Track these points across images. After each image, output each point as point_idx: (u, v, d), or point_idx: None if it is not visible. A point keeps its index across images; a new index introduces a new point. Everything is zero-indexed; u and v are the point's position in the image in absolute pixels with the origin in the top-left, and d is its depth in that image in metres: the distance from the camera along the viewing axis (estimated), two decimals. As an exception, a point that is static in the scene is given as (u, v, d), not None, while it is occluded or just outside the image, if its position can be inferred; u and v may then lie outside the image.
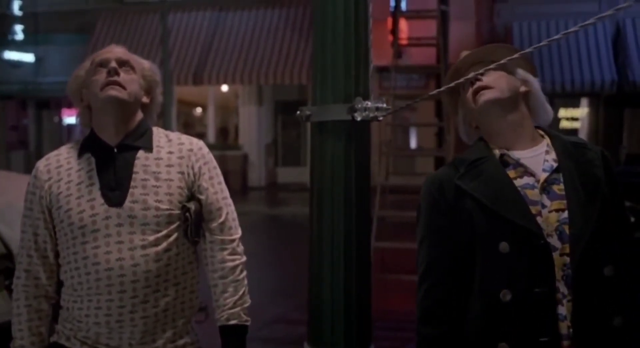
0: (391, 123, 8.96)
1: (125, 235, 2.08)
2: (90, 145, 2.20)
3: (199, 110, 21.68)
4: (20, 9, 19.33)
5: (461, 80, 2.02)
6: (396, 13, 9.58)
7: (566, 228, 1.90)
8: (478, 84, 2.02)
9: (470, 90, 2.03)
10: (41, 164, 2.21)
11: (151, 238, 2.10)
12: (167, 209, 2.13)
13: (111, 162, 2.14)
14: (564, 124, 17.85)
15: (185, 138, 2.28)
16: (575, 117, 17.79)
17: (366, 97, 2.00)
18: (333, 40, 2.00)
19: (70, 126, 21.12)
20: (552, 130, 2.11)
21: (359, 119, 1.96)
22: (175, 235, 2.15)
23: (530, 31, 15.87)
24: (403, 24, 13.07)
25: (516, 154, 2.00)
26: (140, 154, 2.17)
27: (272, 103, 19.22)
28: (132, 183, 2.12)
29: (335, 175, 1.97)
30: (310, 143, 2.06)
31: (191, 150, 2.24)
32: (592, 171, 2.00)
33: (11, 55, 19.34)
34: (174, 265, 2.16)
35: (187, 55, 17.20)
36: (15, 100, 20.66)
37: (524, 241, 1.88)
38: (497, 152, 2.01)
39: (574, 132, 17.65)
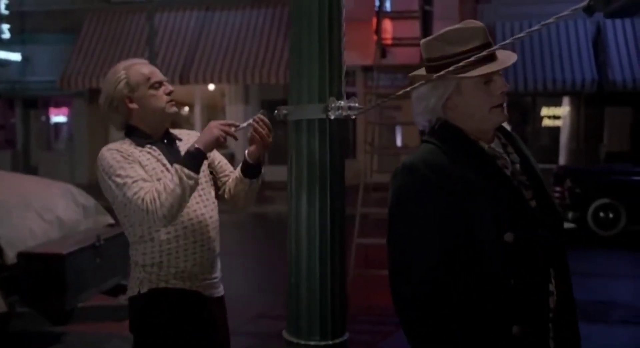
0: (377, 122, 9.08)
1: None
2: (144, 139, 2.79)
3: (185, 109, 21.71)
4: (7, 8, 19.29)
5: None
6: (379, 13, 9.70)
7: (538, 215, 2.02)
8: (505, 93, 2.05)
9: (500, 96, 2.04)
10: (125, 150, 2.70)
11: None
12: None
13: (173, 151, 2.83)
14: (546, 122, 18.03)
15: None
16: (557, 115, 17.96)
17: (340, 97, 2.07)
18: (308, 44, 2.06)
19: (57, 125, 21.13)
20: None
21: (332, 117, 2.03)
22: None
23: (512, 31, 15.99)
24: (388, 24, 13.20)
25: (496, 147, 2.07)
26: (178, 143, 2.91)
27: (259, 102, 19.27)
28: None
29: (311, 171, 2.04)
30: (288, 141, 2.11)
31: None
32: (532, 157, 2.15)
33: (-2, 54, 19.32)
34: None
35: (174, 54, 17.25)
36: (2, 100, 20.60)
37: (526, 230, 1.96)
38: (484, 144, 2.06)
39: (556, 130, 17.88)
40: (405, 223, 2.02)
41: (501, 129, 2.16)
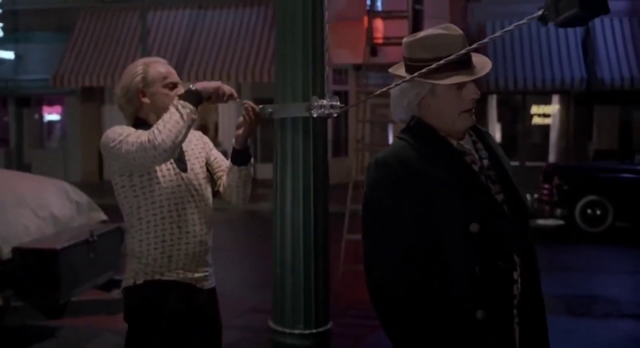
0: (367, 120, 9.16)
1: None
2: None
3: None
4: (0, 6, 19.33)
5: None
6: (370, 13, 9.81)
7: (505, 208, 2.15)
8: (475, 100, 2.17)
9: (470, 101, 2.16)
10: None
11: None
12: None
13: None
14: (536, 120, 18.15)
15: None
16: (547, 113, 18.08)
17: (322, 96, 2.17)
18: (292, 46, 2.15)
19: (50, 123, 21.17)
20: None
21: (315, 115, 2.12)
22: None
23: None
24: (379, 24, 13.29)
25: (465, 144, 2.20)
26: None
27: (251, 100, 19.12)
28: (187, 157, 2.96)
29: (294, 167, 2.13)
30: (273, 138, 2.21)
31: None
32: (502, 153, 2.28)
33: (-9, 52, 19.35)
34: None
35: (167, 52, 17.29)
36: (-5, 98, 20.67)
37: (492, 221, 2.09)
38: (453, 141, 2.18)
39: (546, 128, 18.02)
40: (376, 216, 2.14)
41: (472, 126, 2.27)
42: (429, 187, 2.09)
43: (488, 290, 2.07)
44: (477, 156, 2.20)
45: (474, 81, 2.16)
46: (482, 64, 2.19)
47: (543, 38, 15.90)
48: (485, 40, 1.73)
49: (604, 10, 1.32)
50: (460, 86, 2.14)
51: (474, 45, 1.86)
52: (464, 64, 2.13)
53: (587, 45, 16.09)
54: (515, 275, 2.12)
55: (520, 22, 1.51)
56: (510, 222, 2.14)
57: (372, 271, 2.13)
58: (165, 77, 2.92)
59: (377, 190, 2.16)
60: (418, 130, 2.20)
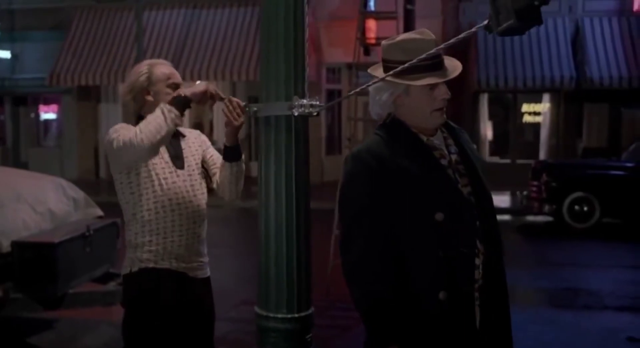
0: (357, 118, 9.31)
1: None
2: None
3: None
4: (-4, 5, 19.44)
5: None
6: (361, 13, 9.98)
7: (472, 199, 2.34)
8: (447, 99, 2.35)
9: (441, 101, 2.34)
10: None
11: None
12: None
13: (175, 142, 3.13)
14: (527, 119, 18.26)
15: None
16: (538, 111, 18.19)
17: (303, 96, 2.33)
18: (276, 49, 2.30)
19: (46, 121, 21.27)
20: None
21: (296, 114, 2.28)
22: None
23: (494, 29, 16.28)
24: (372, 23, 13.46)
25: (435, 140, 2.39)
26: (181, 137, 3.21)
27: (245, 99, 19.21)
28: (185, 155, 3.12)
29: (277, 162, 2.27)
30: (259, 135, 2.36)
31: None
32: (473, 148, 2.47)
33: (-13, 51, 19.45)
34: None
35: (162, 52, 17.42)
36: (-8, 97, 20.76)
37: (456, 211, 2.28)
38: (424, 137, 2.38)
39: (537, 126, 18.19)
40: (351, 205, 2.34)
41: (445, 123, 2.46)
42: (400, 179, 2.28)
43: (451, 274, 2.25)
44: (446, 151, 2.39)
45: (445, 82, 2.35)
46: (454, 67, 2.38)
47: (533, 37, 16.03)
48: (442, 46, 1.91)
49: (538, 21, 1.51)
50: (432, 87, 2.33)
51: (434, 50, 2.03)
52: (436, 67, 2.32)
53: (577, 44, 16.23)
54: (478, 261, 2.31)
55: (469, 31, 1.69)
56: (475, 212, 2.32)
57: (346, 256, 2.33)
58: (168, 78, 3.11)
59: (352, 182, 2.36)
60: (392, 126, 2.40)
